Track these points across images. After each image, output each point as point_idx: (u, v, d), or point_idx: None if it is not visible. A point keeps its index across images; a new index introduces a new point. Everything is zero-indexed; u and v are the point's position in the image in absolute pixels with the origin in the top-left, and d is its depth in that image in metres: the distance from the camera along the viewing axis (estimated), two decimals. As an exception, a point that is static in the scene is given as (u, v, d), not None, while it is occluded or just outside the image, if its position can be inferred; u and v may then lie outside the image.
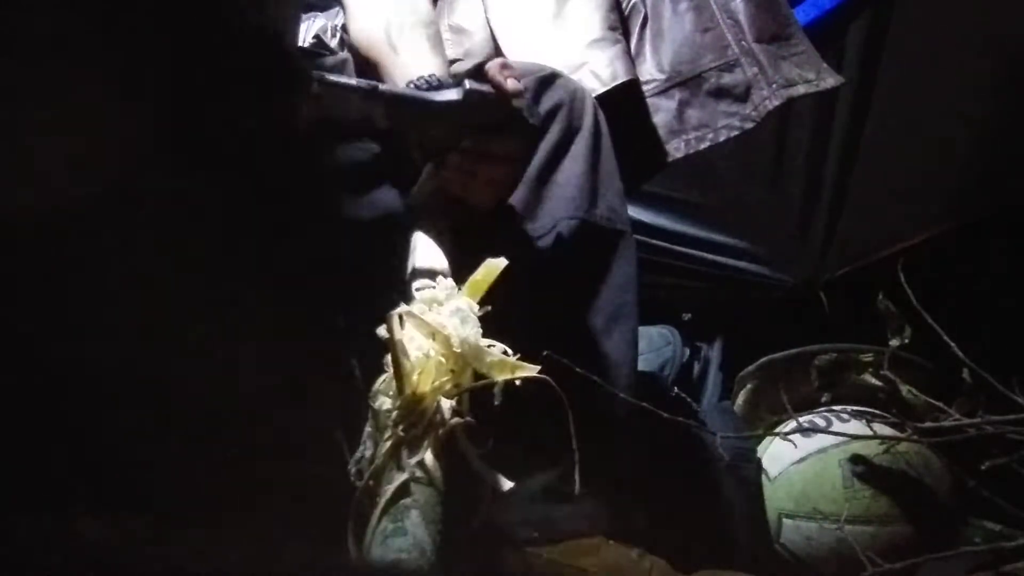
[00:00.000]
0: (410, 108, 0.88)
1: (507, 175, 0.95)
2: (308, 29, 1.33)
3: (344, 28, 1.17)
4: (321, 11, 1.31)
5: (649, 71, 1.35)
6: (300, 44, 1.25)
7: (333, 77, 0.84)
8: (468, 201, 0.93)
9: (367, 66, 1.02)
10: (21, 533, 0.69)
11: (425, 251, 0.87)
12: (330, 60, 1.12)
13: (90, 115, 0.68)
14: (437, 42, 1.02)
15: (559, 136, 1.05)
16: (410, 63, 0.96)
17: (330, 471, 0.75)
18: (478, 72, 0.92)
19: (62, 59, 0.66)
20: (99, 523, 0.72)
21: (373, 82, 0.88)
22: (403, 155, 0.93)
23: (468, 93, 0.87)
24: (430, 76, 0.92)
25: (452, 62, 1.12)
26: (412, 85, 0.91)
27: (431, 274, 0.83)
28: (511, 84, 0.90)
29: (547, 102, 1.05)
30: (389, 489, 0.68)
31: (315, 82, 0.82)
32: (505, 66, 0.91)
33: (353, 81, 0.86)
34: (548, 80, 1.07)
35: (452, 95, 0.88)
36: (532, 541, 0.93)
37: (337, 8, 1.20)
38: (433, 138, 0.90)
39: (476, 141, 0.90)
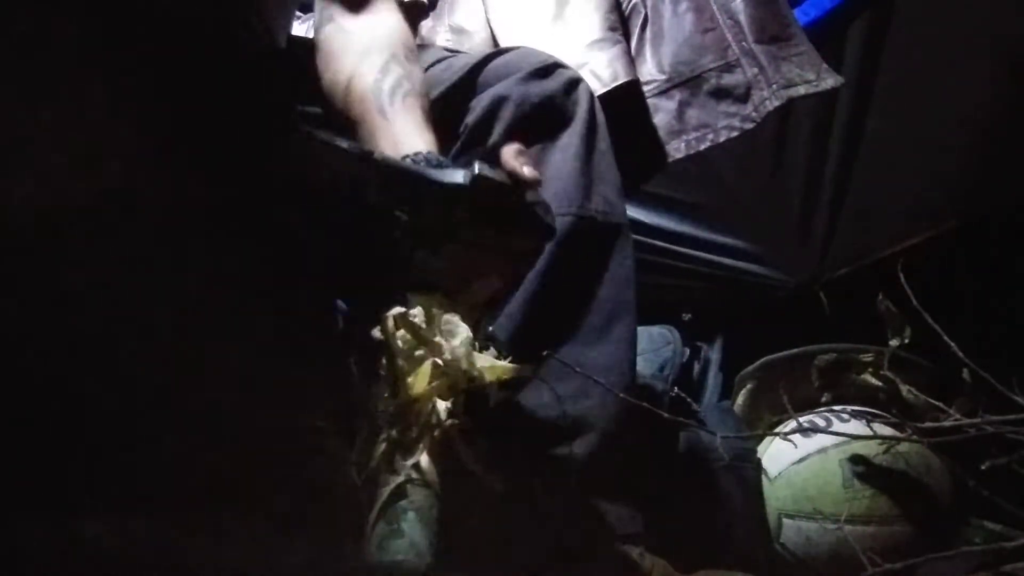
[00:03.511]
0: (407, 184, 0.76)
1: (509, 275, 0.84)
2: (308, 30, 1.34)
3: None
4: (321, 12, 1.31)
5: (649, 72, 1.35)
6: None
7: (323, 135, 0.75)
8: (460, 299, 0.80)
9: (341, 121, 0.93)
10: (21, 533, 0.69)
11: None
12: None
13: (77, 139, 0.68)
14: (429, 117, 0.92)
15: (549, 129, 1.02)
16: (403, 134, 0.86)
17: (326, 473, 0.75)
18: (490, 155, 0.82)
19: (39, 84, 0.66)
20: (99, 523, 0.72)
21: (367, 148, 0.78)
22: (389, 239, 0.80)
23: (476, 177, 0.76)
24: (428, 153, 0.82)
25: (450, 51, 1.09)
26: (409, 160, 0.81)
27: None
28: (528, 172, 0.80)
29: (540, 91, 1.02)
30: (385, 491, 0.68)
31: (303, 131, 0.74)
32: (521, 151, 0.82)
33: (344, 143, 0.76)
34: (543, 71, 1.04)
35: (458, 177, 0.76)
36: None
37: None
38: (429, 222, 0.77)
39: (479, 233, 0.78)
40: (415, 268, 0.78)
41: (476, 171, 0.76)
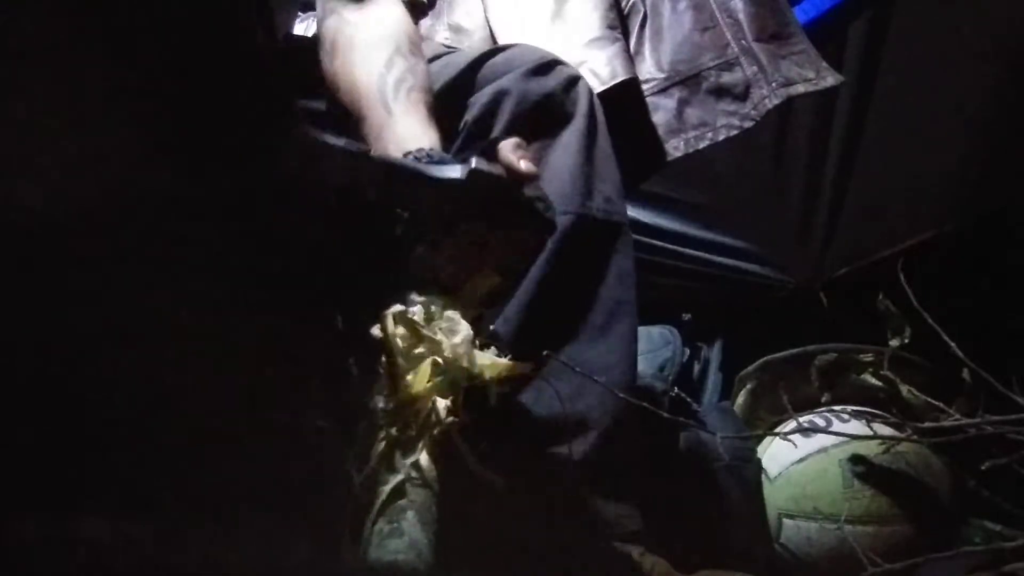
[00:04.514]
0: (404, 181, 0.77)
1: (509, 270, 0.83)
2: (308, 28, 1.34)
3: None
4: (320, 11, 1.31)
5: (648, 70, 1.35)
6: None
7: (322, 135, 0.76)
8: (460, 294, 0.80)
9: (345, 116, 0.93)
10: (21, 533, 0.69)
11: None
12: None
13: (77, 139, 0.68)
14: (433, 113, 0.92)
15: (549, 127, 1.02)
16: (407, 130, 0.87)
17: (326, 472, 0.75)
18: (488, 150, 0.82)
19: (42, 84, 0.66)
20: (99, 523, 0.72)
21: (364, 147, 0.79)
22: (390, 236, 0.81)
23: (473, 172, 0.76)
24: (431, 150, 0.82)
25: (445, 53, 1.09)
26: (410, 156, 0.81)
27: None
28: (524, 166, 0.79)
29: (539, 89, 1.02)
30: (384, 490, 0.68)
31: (301, 128, 0.75)
32: (519, 145, 0.81)
33: (342, 142, 0.76)
34: (542, 68, 1.03)
35: (455, 172, 0.77)
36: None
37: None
38: (427, 218, 0.78)
39: (477, 228, 0.78)
40: (416, 264, 0.79)
41: (472, 166, 0.76)
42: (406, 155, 0.82)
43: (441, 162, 0.79)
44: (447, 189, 0.76)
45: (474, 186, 0.76)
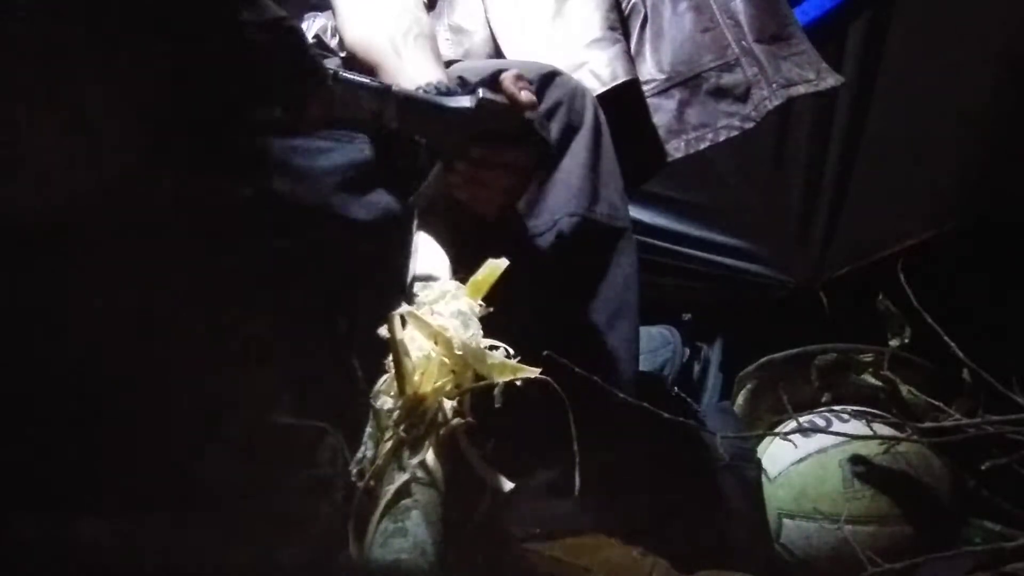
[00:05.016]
0: (422, 111, 0.88)
1: (514, 185, 0.95)
2: (308, 29, 1.33)
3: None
4: (321, 11, 1.31)
5: (649, 71, 1.35)
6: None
7: (346, 73, 0.85)
8: (472, 208, 0.94)
9: (364, 70, 1.00)
10: (21, 533, 0.68)
11: (427, 254, 0.87)
12: (331, 62, 1.12)
13: (91, 107, 0.68)
14: (438, 54, 1.03)
15: (559, 134, 1.05)
16: (417, 69, 0.96)
17: (331, 471, 0.75)
18: (493, 81, 0.92)
19: (67, 43, 0.66)
20: (99, 523, 0.72)
21: (386, 82, 0.89)
22: (407, 158, 0.92)
23: (481, 102, 0.88)
24: (439, 83, 0.92)
25: (449, 63, 1.12)
26: (421, 90, 0.91)
27: (432, 278, 0.83)
28: (525, 95, 0.90)
29: (547, 100, 1.05)
30: (390, 489, 0.68)
31: (328, 77, 0.82)
32: (520, 77, 0.91)
33: (366, 79, 0.86)
34: (548, 78, 1.07)
35: (465, 102, 0.88)
36: (533, 538, 0.93)
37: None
38: (442, 143, 0.90)
39: (485, 150, 0.90)
40: (433, 182, 0.89)
41: (480, 96, 0.88)
42: (418, 88, 0.91)
43: (450, 93, 0.91)
44: (458, 117, 0.88)
45: (481, 114, 0.88)
